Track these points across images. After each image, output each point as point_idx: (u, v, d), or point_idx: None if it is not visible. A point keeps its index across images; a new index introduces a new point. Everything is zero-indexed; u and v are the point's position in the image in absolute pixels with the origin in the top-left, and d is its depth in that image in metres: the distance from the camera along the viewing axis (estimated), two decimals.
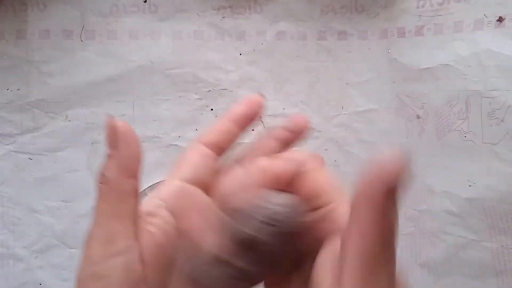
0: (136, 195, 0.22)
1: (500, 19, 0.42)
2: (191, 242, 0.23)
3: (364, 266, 0.17)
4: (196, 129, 0.49)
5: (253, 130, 0.52)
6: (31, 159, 0.48)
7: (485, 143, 0.43)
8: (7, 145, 0.48)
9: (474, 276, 0.44)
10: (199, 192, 0.24)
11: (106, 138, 0.22)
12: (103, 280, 0.20)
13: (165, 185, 0.25)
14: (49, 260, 0.48)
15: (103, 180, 0.22)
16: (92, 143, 0.48)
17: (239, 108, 0.26)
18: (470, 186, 0.44)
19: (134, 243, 0.21)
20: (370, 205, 0.17)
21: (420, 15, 0.47)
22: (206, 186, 0.25)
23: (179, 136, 0.49)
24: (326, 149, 0.50)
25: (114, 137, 0.22)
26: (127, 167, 0.22)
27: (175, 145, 0.49)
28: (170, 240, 0.23)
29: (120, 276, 0.20)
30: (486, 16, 0.43)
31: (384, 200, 0.17)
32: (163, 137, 0.49)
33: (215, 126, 0.26)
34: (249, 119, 0.26)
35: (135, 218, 0.22)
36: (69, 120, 0.48)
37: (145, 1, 0.49)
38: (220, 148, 0.26)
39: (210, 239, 0.23)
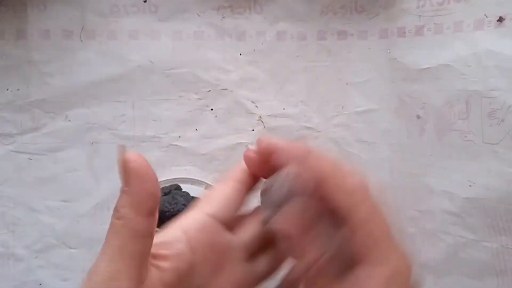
0: (149, 234, 0.21)
1: (500, 19, 0.42)
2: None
3: None
4: (196, 129, 0.49)
5: (253, 130, 0.52)
6: (31, 159, 0.48)
7: (485, 143, 0.43)
8: (7, 145, 0.48)
9: (474, 276, 0.44)
10: (223, 231, 0.24)
11: (120, 172, 0.21)
12: None
13: (189, 216, 0.24)
14: (49, 260, 0.48)
15: (117, 216, 0.21)
16: (92, 143, 0.48)
17: (263, 140, 0.25)
18: (470, 186, 0.44)
19: (138, 285, 0.20)
20: None
21: (420, 15, 0.47)
22: (232, 222, 0.24)
23: (179, 136, 0.49)
24: (326, 149, 0.50)
25: (129, 172, 0.20)
26: (141, 205, 0.20)
27: (175, 145, 0.49)
28: (180, 279, 0.22)
29: None
30: (486, 16, 0.43)
31: None
32: (163, 137, 0.49)
33: (243, 162, 0.25)
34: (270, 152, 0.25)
35: (144, 257, 0.21)
36: (69, 120, 0.48)
37: (145, 1, 0.49)
38: (251, 185, 0.25)
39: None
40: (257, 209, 0.25)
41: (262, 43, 0.50)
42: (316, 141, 0.50)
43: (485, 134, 0.42)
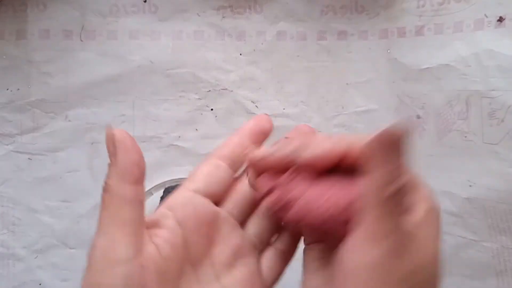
0: (138, 201, 0.22)
1: (501, 19, 0.42)
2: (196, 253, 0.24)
3: (379, 204, 0.19)
4: (196, 129, 0.49)
5: None
6: (31, 159, 0.48)
7: (485, 143, 0.43)
8: (7, 145, 0.48)
9: (474, 276, 0.44)
10: (208, 203, 0.25)
11: (106, 148, 0.22)
12: None
13: (175, 195, 0.25)
14: (49, 260, 0.48)
15: (105, 189, 0.22)
16: (92, 143, 0.48)
17: (249, 124, 0.26)
18: (470, 186, 0.44)
19: (135, 252, 0.21)
20: (381, 153, 0.20)
21: (420, 15, 0.47)
22: (218, 198, 0.25)
23: (179, 136, 0.49)
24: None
25: (113, 146, 0.22)
26: (126, 174, 0.22)
27: (175, 145, 0.49)
28: (176, 252, 0.23)
29: (119, 286, 0.20)
30: (486, 16, 0.43)
31: (392, 149, 0.19)
32: (163, 137, 0.49)
33: (228, 141, 0.26)
34: (261, 133, 0.26)
35: (139, 224, 0.22)
36: (69, 120, 0.48)
37: (145, 1, 0.49)
38: (233, 162, 0.26)
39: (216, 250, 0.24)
40: (242, 177, 0.27)
41: (262, 43, 0.50)
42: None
43: (485, 134, 0.42)
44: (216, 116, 0.49)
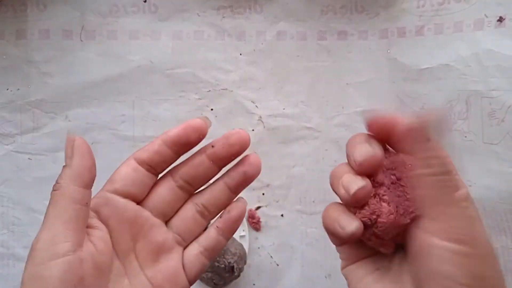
0: (85, 204, 0.24)
1: (501, 19, 0.42)
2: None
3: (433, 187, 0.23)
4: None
5: (253, 130, 0.52)
6: (31, 159, 0.48)
7: (485, 143, 0.43)
8: (7, 145, 0.48)
9: None
10: (128, 203, 0.26)
11: (65, 151, 0.24)
12: (43, 281, 0.21)
13: (96, 196, 0.26)
14: None
15: (56, 187, 0.24)
16: (92, 143, 0.48)
17: (174, 132, 0.27)
18: (470, 186, 0.44)
19: (76, 247, 0.23)
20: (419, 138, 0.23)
21: (420, 15, 0.47)
22: (137, 198, 0.27)
23: None
24: (326, 149, 0.50)
25: (71, 149, 0.24)
26: (78, 177, 0.24)
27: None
28: (108, 247, 0.25)
29: (59, 277, 0.21)
30: (486, 16, 0.43)
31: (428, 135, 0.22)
32: None
33: (150, 145, 0.27)
34: (184, 145, 0.27)
35: (82, 223, 0.24)
36: (69, 120, 0.48)
37: (145, 1, 0.49)
38: (151, 167, 0.27)
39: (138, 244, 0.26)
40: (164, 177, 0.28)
41: (262, 43, 0.50)
42: (316, 141, 0.50)
43: (485, 134, 0.42)
44: (216, 116, 0.49)
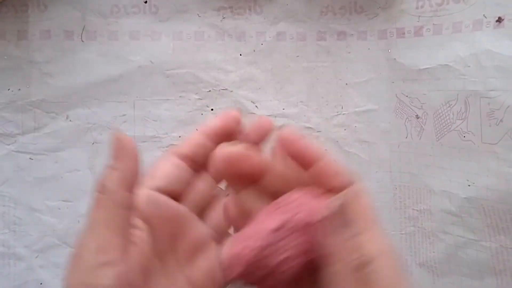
0: (131, 208, 0.23)
1: (499, 20, 0.42)
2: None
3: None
4: (196, 129, 0.49)
5: None
6: (32, 159, 0.48)
7: (484, 143, 0.43)
8: (8, 145, 0.48)
9: (473, 276, 0.44)
10: (169, 201, 0.25)
11: (111, 150, 0.23)
12: None
13: (138, 194, 0.25)
14: (50, 260, 0.48)
15: (101, 190, 0.22)
16: (93, 143, 0.49)
17: (214, 123, 0.26)
18: (469, 186, 0.44)
19: (124, 254, 0.22)
20: None
21: (419, 16, 0.47)
22: (177, 196, 0.26)
23: (179, 136, 0.49)
24: (326, 149, 0.50)
25: (119, 150, 0.23)
26: (127, 181, 0.23)
27: (175, 145, 0.49)
28: (149, 249, 0.24)
29: (108, 285, 0.21)
30: (485, 17, 0.43)
31: None
32: (163, 137, 0.49)
33: (190, 139, 0.26)
34: (224, 135, 0.26)
35: (127, 227, 0.23)
36: (70, 120, 0.49)
37: (145, 2, 0.49)
38: (193, 161, 0.26)
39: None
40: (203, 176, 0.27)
41: (262, 43, 0.50)
42: (316, 141, 0.50)
43: (484, 134, 0.43)
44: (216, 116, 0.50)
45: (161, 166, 0.26)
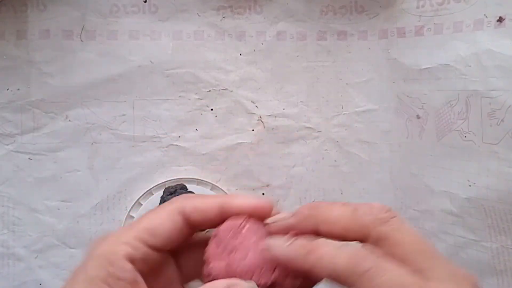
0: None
1: (500, 19, 0.42)
2: None
3: None
4: (196, 129, 0.49)
5: (253, 130, 0.52)
6: (31, 159, 0.48)
7: (485, 143, 0.43)
8: (7, 145, 0.48)
9: None
10: (161, 256, 0.25)
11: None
12: None
13: (132, 246, 0.24)
14: (49, 260, 0.48)
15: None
16: (92, 143, 0.49)
17: (240, 203, 0.25)
18: (470, 186, 0.44)
19: None
20: None
21: (420, 15, 0.47)
22: (170, 251, 0.25)
23: (179, 136, 0.49)
24: (326, 149, 0.50)
25: None
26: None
27: (175, 145, 0.49)
28: None
29: None
30: (486, 16, 0.43)
31: None
32: (163, 137, 0.49)
33: (205, 209, 0.25)
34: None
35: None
36: (69, 120, 0.48)
37: (145, 1, 0.49)
38: (197, 227, 0.26)
39: None
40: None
41: (262, 43, 0.50)
42: (316, 141, 0.50)
43: (485, 134, 0.42)
44: (216, 116, 0.50)
45: (163, 222, 0.25)
